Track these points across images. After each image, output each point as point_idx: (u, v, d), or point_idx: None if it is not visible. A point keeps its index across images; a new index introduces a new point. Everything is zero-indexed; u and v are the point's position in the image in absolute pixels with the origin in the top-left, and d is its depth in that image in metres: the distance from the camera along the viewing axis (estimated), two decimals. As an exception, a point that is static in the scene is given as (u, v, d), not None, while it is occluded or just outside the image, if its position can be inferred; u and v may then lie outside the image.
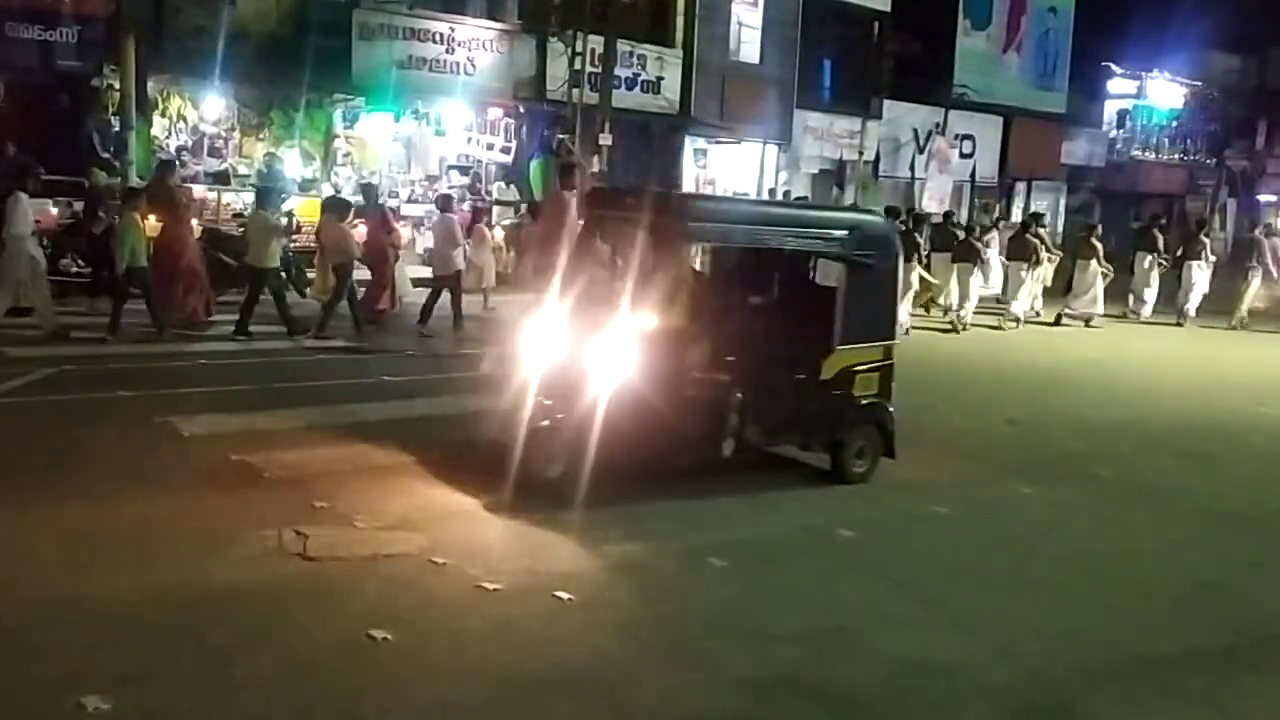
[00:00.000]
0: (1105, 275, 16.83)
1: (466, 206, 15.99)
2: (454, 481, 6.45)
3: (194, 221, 12.67)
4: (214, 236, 13.14)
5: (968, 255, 15.59)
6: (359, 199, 13.49)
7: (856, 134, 25.19)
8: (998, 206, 29.49)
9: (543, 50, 19.13)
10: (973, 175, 28.74)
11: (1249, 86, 37.59)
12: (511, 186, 18.58)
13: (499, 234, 16.04)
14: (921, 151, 27.07)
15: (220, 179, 15.63)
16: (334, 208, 12.28)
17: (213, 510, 5.72)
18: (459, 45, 17.73)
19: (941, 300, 15.92)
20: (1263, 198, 39.08)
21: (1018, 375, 12.10)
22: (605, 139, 18.50)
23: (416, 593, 4.81)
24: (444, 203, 13.18)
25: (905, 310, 14.03)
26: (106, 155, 14.43)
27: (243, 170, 16.08)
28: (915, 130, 27.11)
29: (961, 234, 16.50)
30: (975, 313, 15.65)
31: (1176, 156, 37.12)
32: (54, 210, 12.67)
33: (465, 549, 5.32)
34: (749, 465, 6.82)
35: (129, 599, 4.56)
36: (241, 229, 12.78)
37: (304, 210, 14.54)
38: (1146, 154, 36.02)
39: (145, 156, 14.56)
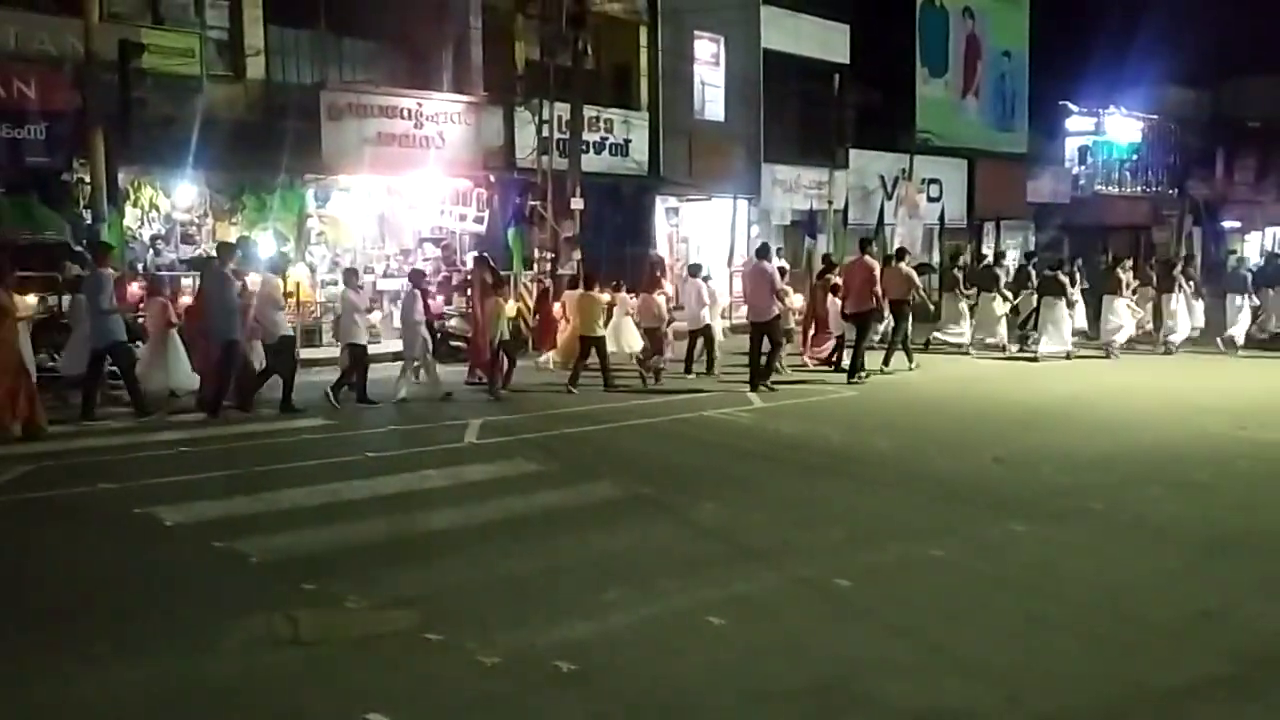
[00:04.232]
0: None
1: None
2: (444, 553, 6.40)
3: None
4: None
5: (1054, 290, 16.93)
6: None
7: (824, 184, 25.50)
8: (968, 248, 29.82)
9: (510, 120, 19.36)
10: (941, 218, 29.07)
11: (1205, 118, 38.36)
12: (486, 255, 18.63)
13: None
14: (890, 198, 27.39)
15: (195, 266, 15.62)
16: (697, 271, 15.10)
17: (200, 600, 5.62)
18: (427, 120, 17.90)
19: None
20: (1227, 224, 39.72)
21: (999, 414, 12.12)
22: (577, 203, 18.67)
23: (412, 671, 4.72)
24: (695, 270, 15.46)
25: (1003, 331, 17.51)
26: (80, 249, 14.40)
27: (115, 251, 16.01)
28: (882, 177, 27.48)
29: (1050, 271, 17.92)
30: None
31: (1139, 189, 37.70)
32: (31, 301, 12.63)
33: (460, 622, 5.24)
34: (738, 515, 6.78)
35: (119, 696, 4.45)
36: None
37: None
38: (1110, 188, 36.55)
39: (119, 248, 14.54)
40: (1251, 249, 38.64)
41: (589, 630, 5.18)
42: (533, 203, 18.77)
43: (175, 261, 15.56)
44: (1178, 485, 8.39)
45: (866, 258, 15.06)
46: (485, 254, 15.60)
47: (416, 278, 13.41)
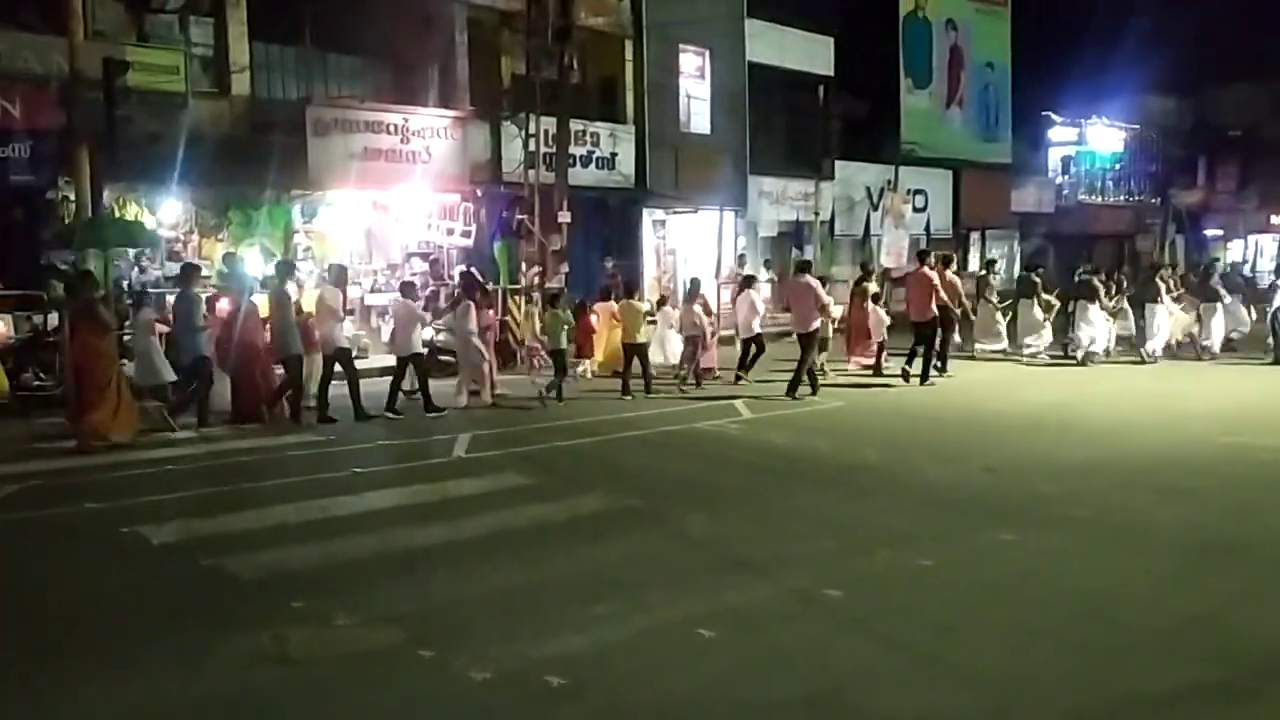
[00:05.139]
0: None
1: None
2: (434, 568, 6.38)
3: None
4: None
5: (1087, 294, 17.75)
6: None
7: (811, 195, 25.59)
8: (955, 257, 29.94)
9: (497, 134, 19.38)
10: (927, 228, 29.19)
11: (1186, 127, 38.64)
12: (473, 269, 18.64)
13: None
14: (876, 209, 27.50)
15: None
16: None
17: (188, 619, 5.59)
18: (414, 134, 17.90)
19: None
20: (1209, 232, 39.97)
21: (988, 422, 12.16)
22: (564, 216, 18.68)
23: (403, 688, 4.70)
24: (748, 282, 16.16)
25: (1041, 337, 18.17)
26: (64, 267, 14.35)
27: (203, 271, 16.03)
28: (868, 188, 27.59)
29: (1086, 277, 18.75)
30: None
31: (1122, 198, 37.93)
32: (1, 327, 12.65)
33: (450, 637, 5.22)
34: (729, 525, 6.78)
35: (107, 716, 4.42)
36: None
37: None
38: (1093, 197, 36.77)
39: (103, 266, 14.50)
40: (1234, 256, 38.89)
41: (580, 644, 5.17)
42: (520, 216, 18.78)
43: (161, 278, 15.49)
44: (1166, 492, 8.41)
45: (925, 268, 15.60)
46: (471, 268, 15.72)
47: (470, 290, 13.77)
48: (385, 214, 18.31)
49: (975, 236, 31.94)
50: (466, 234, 18.79)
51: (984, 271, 20.75)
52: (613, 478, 9.11)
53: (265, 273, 15.33)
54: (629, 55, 22.16)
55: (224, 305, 12.96)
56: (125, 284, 15.18)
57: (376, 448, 10.60)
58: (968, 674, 4.88)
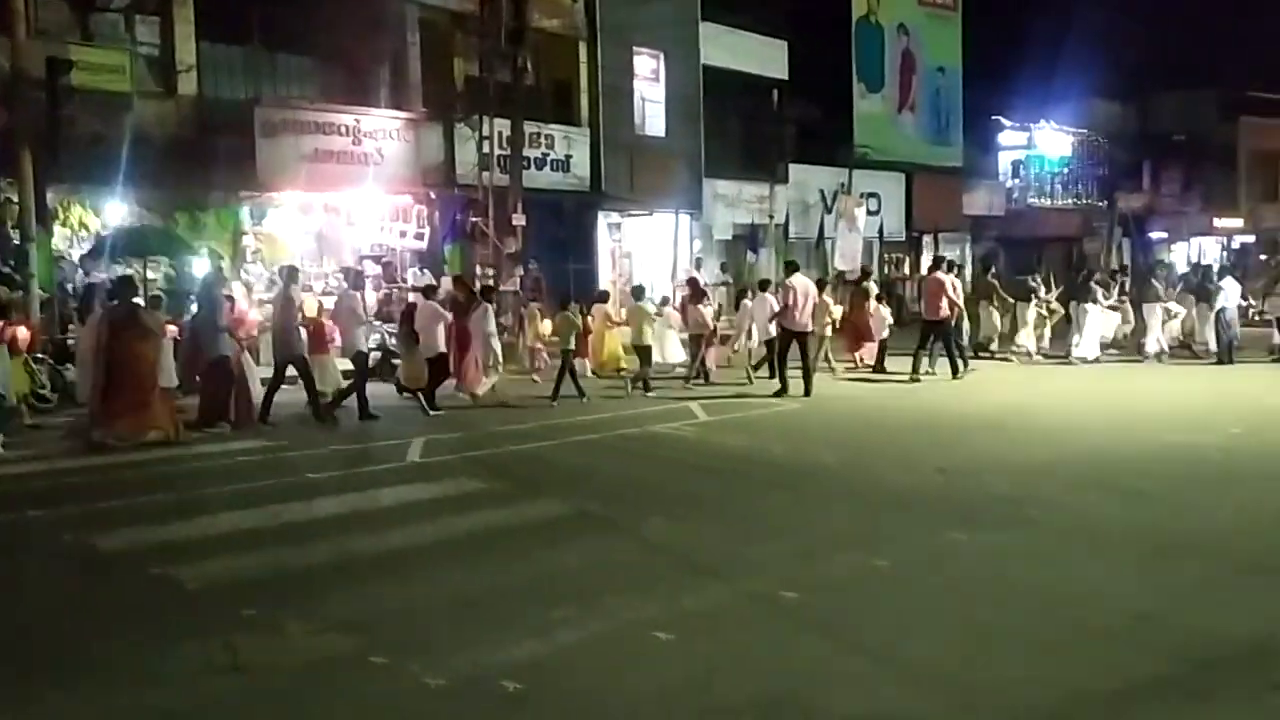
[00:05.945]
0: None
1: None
2: (388, 574, 6.30)
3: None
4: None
5: (1085, 296, 18.32)
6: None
7: (765, 199, 25.71)
8: (908, 260, 30.28)
9: (450, 136, 19.26)
10: (881, 231, 29.46)
11: (1132, 132, 39.37)
12: (426, 272, 18.51)
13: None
14: (830, 212, 27.70)
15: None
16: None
17: (137, 629, 5.46)
18: (365, 136, 17.73)
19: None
20: (1154, 235, 40.74)
21: (942, 424, 12.26)
22: (519, 219, 18.60)
23: (356, 697, 4.63)
24: (763, 285, 16.45)
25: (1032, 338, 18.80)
26: (7, 269, 14.04)
27: (150, 275, 15.77)
28: (822, 192, 27.79)
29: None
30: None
31: (1070, 201, 38.55)
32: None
33: (404, 644, 5.15)
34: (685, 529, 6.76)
35: (48, 732, 4.31)
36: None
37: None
38: (1043, 200, 37.34)
39: (47, 268, 14.21)
40: (1178, 258, 39.67)
41: (536, 649, 5.12)
42: (474, 219, 18.67)
43: (106, 281, 15.18)
44: (1117, 491, 8.52)
45: (938, 273, 16.74)
46: (425, 269, 15.81)
47: (487, 293, 14.31)
48: (336, 216, 18.12)
49: (928, 239, 32.28)
50: (419, 236, 18.67)
51: (987, 275, 21.05)
52: (568, 482, 9.07)
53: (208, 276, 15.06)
54: (583, 57, 22.15)
55: (243, 307, 13.01)
56: (70, 286, 14.90)
57: (330, 453, 10.47)
58: (926, 674, 4.89)
